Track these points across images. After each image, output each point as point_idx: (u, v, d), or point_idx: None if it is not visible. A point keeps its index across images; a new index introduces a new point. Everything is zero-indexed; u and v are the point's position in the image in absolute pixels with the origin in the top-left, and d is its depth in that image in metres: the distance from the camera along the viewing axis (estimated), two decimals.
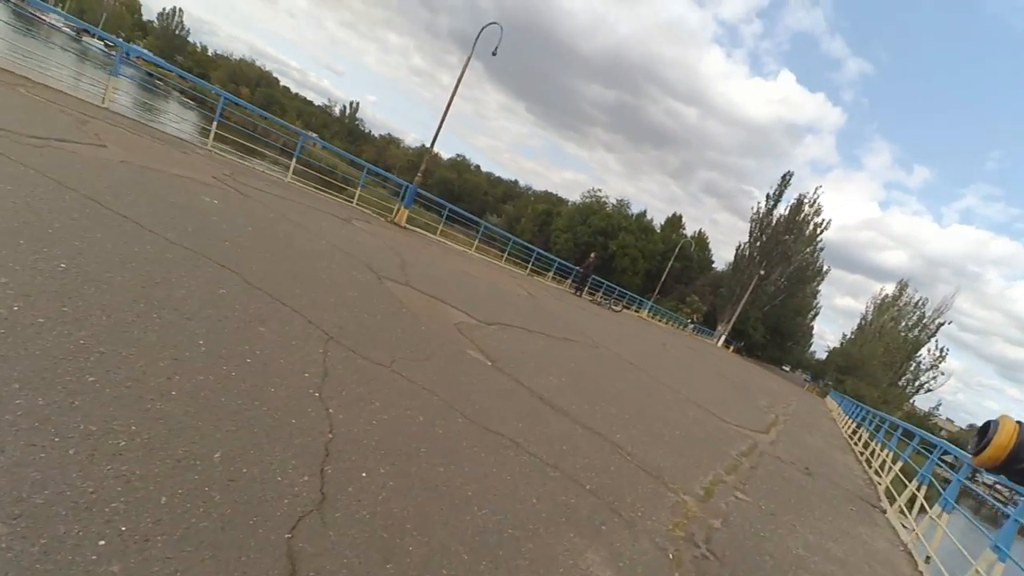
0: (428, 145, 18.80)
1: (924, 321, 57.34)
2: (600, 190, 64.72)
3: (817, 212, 57.56)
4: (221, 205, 6.10)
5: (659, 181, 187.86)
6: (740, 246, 58.27)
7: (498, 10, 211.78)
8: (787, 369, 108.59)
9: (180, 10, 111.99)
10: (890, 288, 70.21)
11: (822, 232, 58.67)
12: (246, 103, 15.78)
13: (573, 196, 63.34)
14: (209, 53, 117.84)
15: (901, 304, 66.39)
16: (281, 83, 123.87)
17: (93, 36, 52.11)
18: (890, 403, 43.73)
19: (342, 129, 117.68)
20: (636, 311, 32.42)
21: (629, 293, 34.97)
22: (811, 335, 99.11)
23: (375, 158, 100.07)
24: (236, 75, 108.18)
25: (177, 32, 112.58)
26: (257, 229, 5.86)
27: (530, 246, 23.52)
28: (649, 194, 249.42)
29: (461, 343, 5.11)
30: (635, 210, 63.98)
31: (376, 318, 4.60)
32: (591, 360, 7.64)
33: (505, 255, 21.49)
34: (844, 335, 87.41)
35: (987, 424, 0.62)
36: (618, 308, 24.82)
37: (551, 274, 24.18)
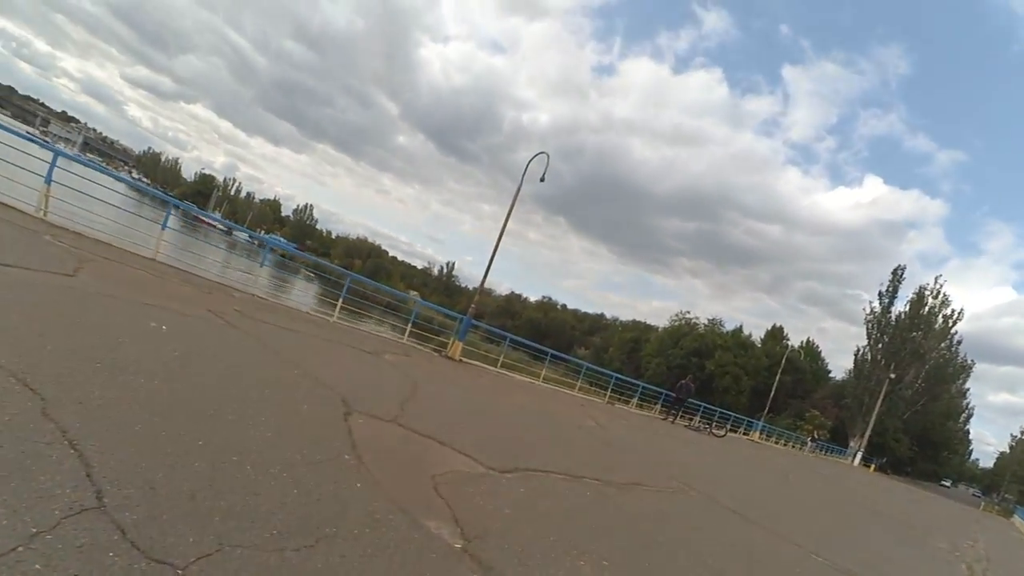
0: (484, 284, 18.61)
1: None
2: (689, 312, 62.25)
3: (944, 303, 51.16)
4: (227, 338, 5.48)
5: (751, 298, 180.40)
6: (859, 351, 52.18)
7: (574, 172, 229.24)
8: (947, 484, 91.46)
9: (310, 205, 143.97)
10: None
11: (954, 324, 51.63)
12: (356, 274, 17.25)
13: (662, 323, 61.07)
14: (333, 236, 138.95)
15: None
16: (390, 254, 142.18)
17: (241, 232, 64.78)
18: None
19: (440, 286, 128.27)
20: (745, 434, 28.55)
21: (735, 415, 31.35)
22: (968, 441, 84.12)
23: (468, 306, 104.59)
24: (351, 250, 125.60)
25: (308, 222, 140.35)
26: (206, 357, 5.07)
27: (607, 372, 21.83)
28: (744, 312, 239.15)
29: (424, 508, 3.59)
30: (729, 327, 60.42)
31: (279, 473, 3.30)
32: (670, 517, 5.69)
33: (579, 381, 19.90)
34: (1012, 436, 73.25)
35: None
36: (721, 432, 21.76)
37: (635, 400, 21.98)
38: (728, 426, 24.93)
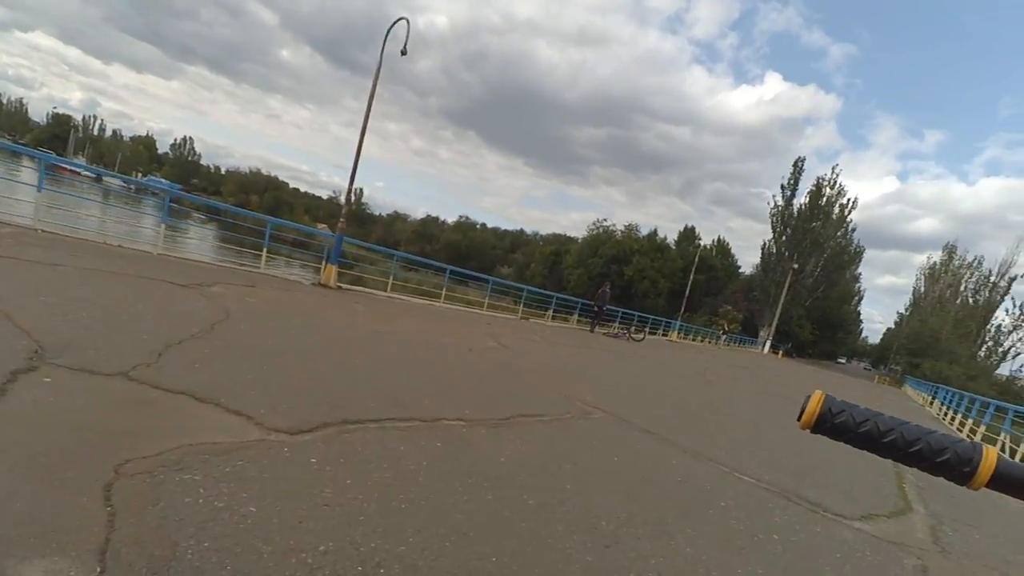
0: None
1: (992, 280, 51.19)
2: (606, 220, 61.90)
3: (840, 193, 53.47)
4: None
5: (666, 203, 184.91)
6: (765, 244, 54.17)
7: (482, 83, 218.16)
8: (843, 361, 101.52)
9: (190, 138, 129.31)
10: (937, 256, 64.31)
11: (850, 212, 54.37)
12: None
13: (581, 235, 60.58)
14: (223, 171, 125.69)
15: (955, 268, 60.82)
16: (292, 186, 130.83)
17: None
18: (978, 378, 38.20)
19: (350, 215, 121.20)
20: (664, 335, 28.69)
21: (654, 317, 31.42)
22: (860, 321, 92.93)
23: (383, 236, 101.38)
24: (245, 186, 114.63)
25: (189, 158, 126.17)
26: None
27: (517, 285, 20.47)
28: (658, 217, 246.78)
29: (48, 532, 1.82)
30: (644, 233, 60.80)
31: None
32: (556, 459, 4.05)
33: (486, 301, 18.42)
34: (898, 313, 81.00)
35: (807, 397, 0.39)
36: (639, 336, 21.30)
37: (550, 312, 20.90)
38: (647, 329, 24.66)
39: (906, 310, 73.50)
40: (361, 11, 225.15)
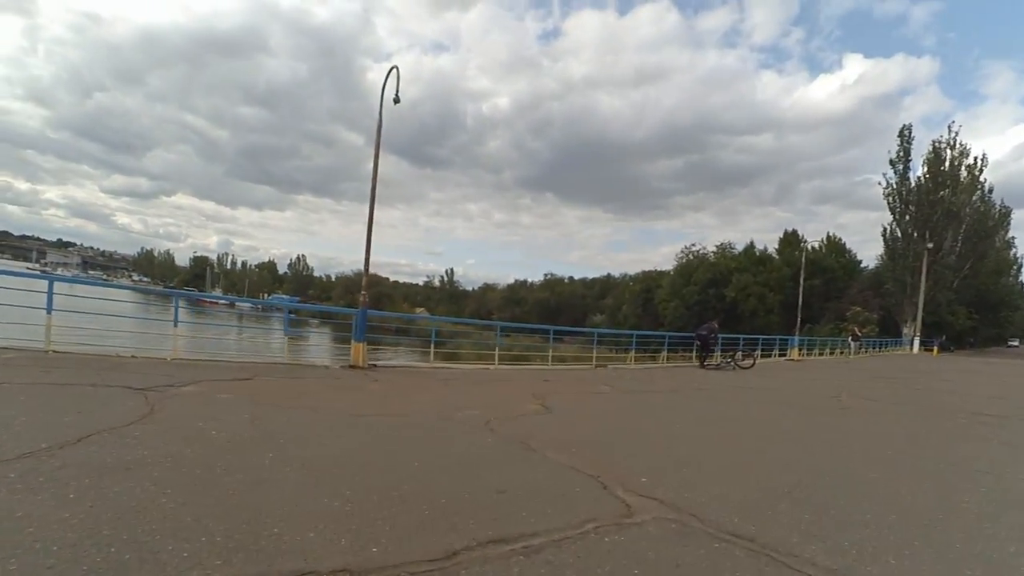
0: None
1: None
2: (695, 244, 57.07)
3: (964, 153, 45.64)
4: None
5: (760, 215, 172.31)
6: (886, 230, 46.80)
7: (551, 146, 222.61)
8: (1015, 344, 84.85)
9: (303, 256, 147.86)
10: None
11: (981, 172, 46.10)
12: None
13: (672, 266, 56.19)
14: (333, 279, 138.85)
15: None
16: (392, 279, 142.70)
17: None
18: None
19: (444, 295, 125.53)
20: (781, 355, 23.94)
21: (766, 337, 26.87)
22: None
23: (476, 308, 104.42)
24: (350, 287, 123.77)
25: (304, 273, 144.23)
26: None
27: (579, 330, 17.57)
28: (755, 231, 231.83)
29: None
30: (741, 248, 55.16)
31: None
32: None
33: (550, 352, 15.66)
34: None
35: None
36: (747, 363, 17.40)
37: (632, 353, 17.61)
38: (757, 352, 20.39)
39: None
40: (433, 112, 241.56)
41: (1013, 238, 61.81)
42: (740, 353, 18.00)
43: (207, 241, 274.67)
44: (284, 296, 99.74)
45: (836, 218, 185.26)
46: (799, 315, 29.14)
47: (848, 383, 13.87)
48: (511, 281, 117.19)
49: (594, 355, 16.58)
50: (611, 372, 14.33)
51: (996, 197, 51.76)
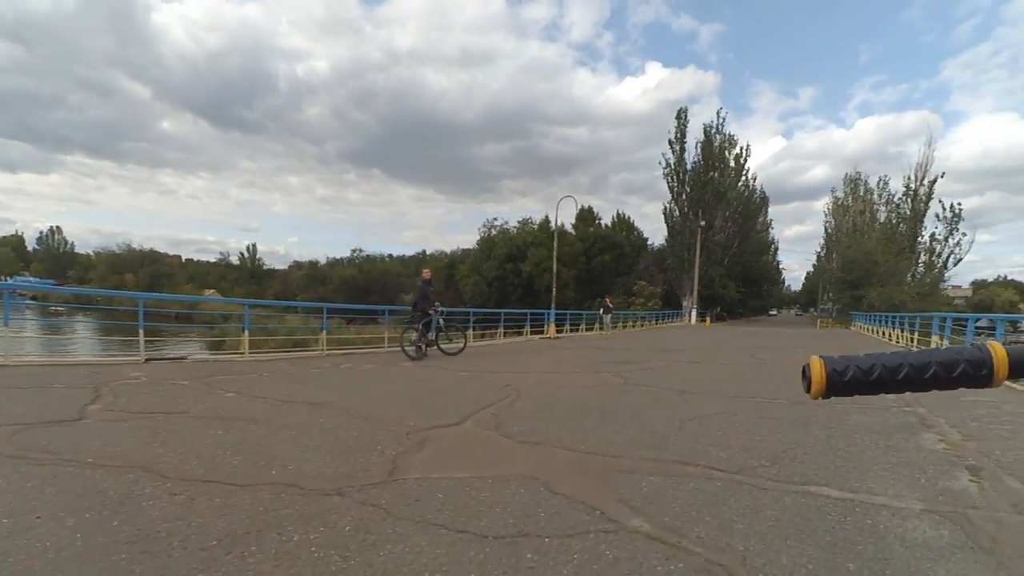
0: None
1: (911, 187, 47.13)
2: (496, 219, 55.49)
3: (731, 143, 49.42)
4: None
5: (579, 203, 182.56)
6: (666, 207, 49.11)
7: (376, 120, 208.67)
8: (775, 313, 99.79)
9: (57, 227, 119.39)
10: (840, 190, 61.89)
11: (746, 160, 50.42)
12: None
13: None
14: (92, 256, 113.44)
15: (861, 195, 58.35)
16: (197, 259, 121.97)
17: None
18: (932, 295, 33.89)
19: (243, 275, 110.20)
20: (554, 333, 21.67)
21: (536, 311, 24.65)
22: (780, 271, 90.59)
23: (281, 289, 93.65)
24: (116, 265, 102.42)
25: (61, 250, 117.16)
26: None
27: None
28: (572, 217, 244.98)
29: None
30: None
31: None
32: None
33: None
34: (815, 253, 78.70)
35: (804, 367, 0.44)
36: (454, 347, 12.86)
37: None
38: (468, 331, 15.56)
39: (821, 249, 71.40)
40: (237, 67, 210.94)
41: (771, 220, 71.00)
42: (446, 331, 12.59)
43: None
44: (33, 279, 78.61)
45: (641, 207, 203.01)
46: (554, 288, 27.40)
47: (620, 360, 11.20)
48: (332, 258, 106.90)
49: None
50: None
51: (759, 187, 58.03)
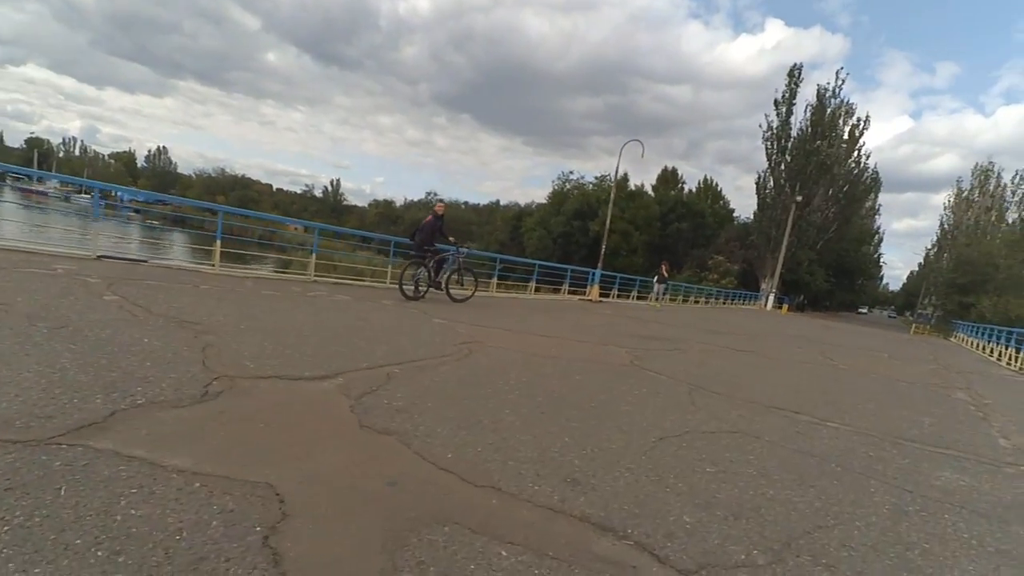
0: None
1: None
2: (572, 172, 52.70)
3: (848, 112, 43.19)
4: None
5: (670, 167, 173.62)
6: (760, 177, 44.02)
7: (472, 64, 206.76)
8: (864, 311, 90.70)
9: (163, 148, 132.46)
10: (967, 181, 53.78)
11: (862, 134, 44.01)
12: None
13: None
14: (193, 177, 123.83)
15: (990, 189, 50.65)
16: (286, 189, 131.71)
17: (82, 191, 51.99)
18: None
19: (324, 208, 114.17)
20: (596, 296, 19.50)
21: (624, 276, 22.54)
22: (880, 266, 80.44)
23: (358, 224, 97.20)
24: (211, 187, 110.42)
25: (166, 168, 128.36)
26: None
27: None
28: (654, 179, 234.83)
29: None
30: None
31: None
32: None
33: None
34: (926, 249, 69.70)
35: None
36: (464, 293, 11.18)
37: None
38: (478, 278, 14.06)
39: (932, 247, 63.20)
40: (341, 3, 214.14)
41: (880, 206, 63.14)
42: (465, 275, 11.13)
43: (67, 125, 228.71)
44: (132, 190, 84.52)
45: (736, 180, 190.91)
46: (603, 243, 24.74)
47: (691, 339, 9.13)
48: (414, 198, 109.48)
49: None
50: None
51: (869, 168, 50.98)
